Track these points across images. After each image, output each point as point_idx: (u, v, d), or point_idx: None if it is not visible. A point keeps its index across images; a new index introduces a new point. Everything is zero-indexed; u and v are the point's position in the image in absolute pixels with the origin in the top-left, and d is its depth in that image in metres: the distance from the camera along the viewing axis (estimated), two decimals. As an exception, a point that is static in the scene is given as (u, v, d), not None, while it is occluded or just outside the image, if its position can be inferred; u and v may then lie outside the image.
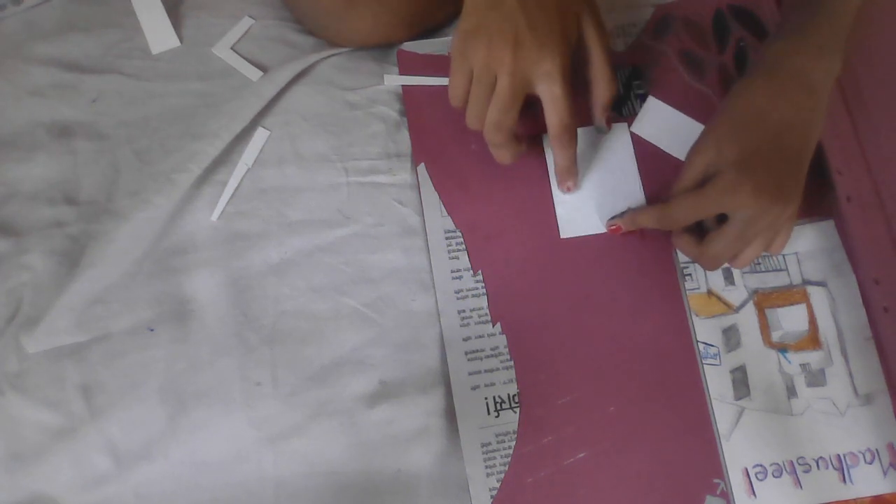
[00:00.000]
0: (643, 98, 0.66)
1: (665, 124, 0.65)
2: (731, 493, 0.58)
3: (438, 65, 0.67)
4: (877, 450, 0.59)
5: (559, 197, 0.63)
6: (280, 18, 0.68)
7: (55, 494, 0.56)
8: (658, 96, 0.66)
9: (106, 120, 0.64)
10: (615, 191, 0.63)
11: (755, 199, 0.53)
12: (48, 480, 0.56)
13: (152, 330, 0.59)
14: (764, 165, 0.53)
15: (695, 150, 0.56)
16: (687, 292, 0.62)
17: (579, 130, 0.62)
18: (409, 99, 0.66)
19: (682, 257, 0.62)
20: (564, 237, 0.63)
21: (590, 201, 0.63)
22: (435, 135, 0.65)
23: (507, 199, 0.63)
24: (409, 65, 0.67)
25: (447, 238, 0.63)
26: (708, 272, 0.62)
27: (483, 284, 0.62)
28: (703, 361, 0.60)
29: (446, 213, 0.63)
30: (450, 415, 0.59)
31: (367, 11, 0.64)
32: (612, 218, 0.62)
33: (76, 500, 0.56)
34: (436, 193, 0.64)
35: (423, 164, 0.64)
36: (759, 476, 0.58)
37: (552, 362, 0.60)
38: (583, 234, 0.63)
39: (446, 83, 0.65)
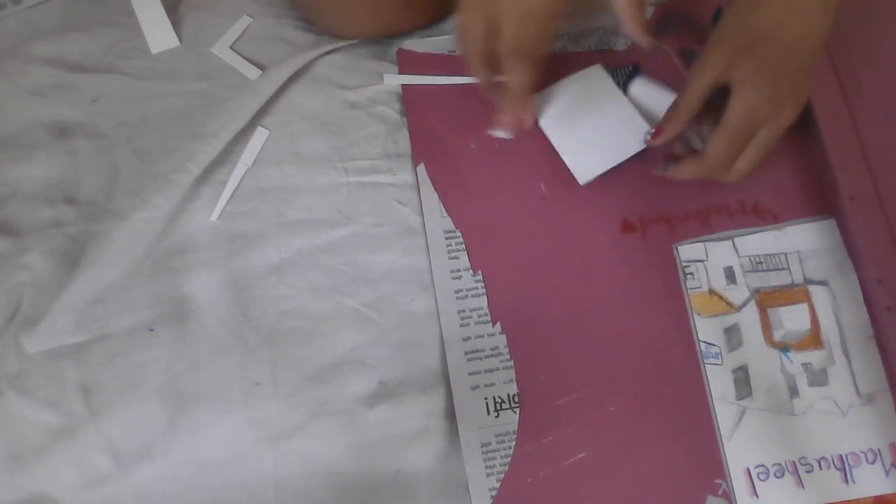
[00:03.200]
0: (644, 96, 0.66)
1: (654, 102, 0.65)
2: (733, 493, 0.58)
3: (438, 63, 0.67)
4: (879, 450, 0.58)
5: (563, 148, 0.63)
6: (278, 16, 0.69)
7: (55, 494, 0.56)
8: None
9: (106, 120, 0.64)
10: (613, 125, 0.63)
11: (776, 112, 0.54)
12: (48, 480, 0.56)
13: (152, 330, 0.59)
14: (782, 76, 0.53)
15: (704, 64, 0.55)
16: (689, 292, 0.61)
17: (558, 84, 0.64)
18: (409, 99, 0.66)
19: (683, 256, 0.62)
20: (584, 182, 0.62)
21: (593, 141, 0.63)
22: (435, 135, 0.65)
23: (507, 199, 0.63)
24: (408, 64, 0.67)
25: (447, 238, 0.63)
26: (709, 272, 0.62)
27: (483, 284, 0.61)
28: (705, 361, 0.60)
29: (446, 214, 0.63)
30: (450, 415, 0.59)
31: (366, 2, 0.64)
32: (652, 138, 0.59)
33: (76, 500, 0.56)
34: (435, 193, 0.64)
35: (422, 164, 0.64)
36: (761, 476, 0.58)
37: (552, 362, 0.60)
38: (601, 173, 0.62)
39: (446, 82, 0.66)
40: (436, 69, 0.66)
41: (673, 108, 0.57)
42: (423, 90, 0.66)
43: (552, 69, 0.66)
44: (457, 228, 0.63)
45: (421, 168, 0.64)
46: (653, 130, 0.58)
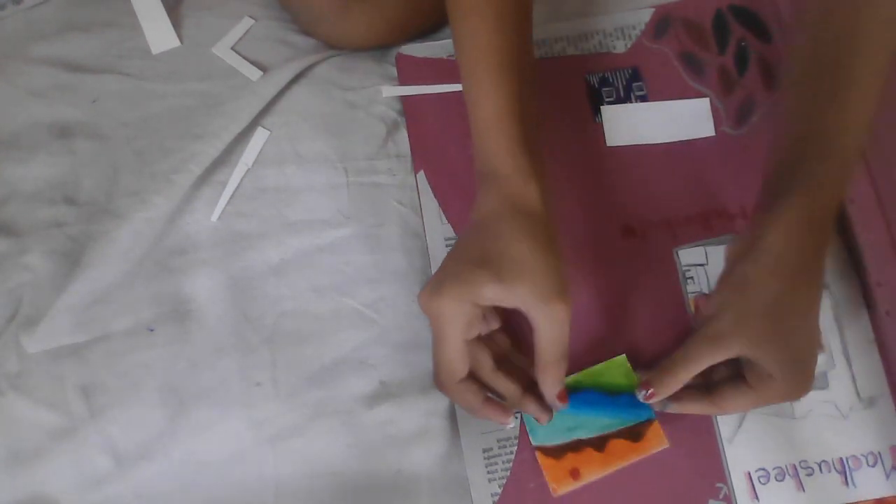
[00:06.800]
0: (644, 99, 0.66)
1: (630, 122, 0.65)
2: (734, 496, 0.58)
3: (437, 69, 0.67)
4: (879, 452, 0.58)
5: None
6: (280, 19, 0.68)
7: (55, 494, 0.56)
8: (657, 98, 0.66)
9: (106, 120, 0.64)
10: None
11: (804, 393, 0.53)
12: (48, 480, 0.56)
13: (152, 330, 0.59)
14: (809, 362, 0.53)
15: (721, 339, 0.52)
16: (689, 296, 0.61)
17: None
18: (409, 106, 0.66)
19: (683, 260, 0.62)
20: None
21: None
22: (434, 142, 0.65)
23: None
24: (407, 69, 0.67)
25: (447, 245, 0.63)
26: (710, 276, 0.62)
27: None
28: (706, 364, 0.60)
29: (446, 221, 0.63)
30: (450, 416, 0.59)
31: (361, 18, 0.64)
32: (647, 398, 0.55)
33: (76, 500, 0.56)
34: (435, 201, 0.64)
35: (422, 171, 0.64)
36: (762, 480, 0.58)
37: (553, 364, 0.60)
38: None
39: (444, 90, 0.65)
40: (435, 75, 0.66)
41: (669, 370, 0.53)
42: (423, 97, 0.66)
43: (553, 74, 0.66)
44: (457, 235, 0.63)
45: (421, 175, 0.64)
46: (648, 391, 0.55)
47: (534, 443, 0.58)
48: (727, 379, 0.55)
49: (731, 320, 0.52)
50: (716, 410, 0.55)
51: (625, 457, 0.57)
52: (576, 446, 0.58)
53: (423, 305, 0.51)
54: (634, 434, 0.58)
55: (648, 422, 0.58)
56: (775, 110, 0.59)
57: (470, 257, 0.51)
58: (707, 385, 0.56)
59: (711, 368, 0.53)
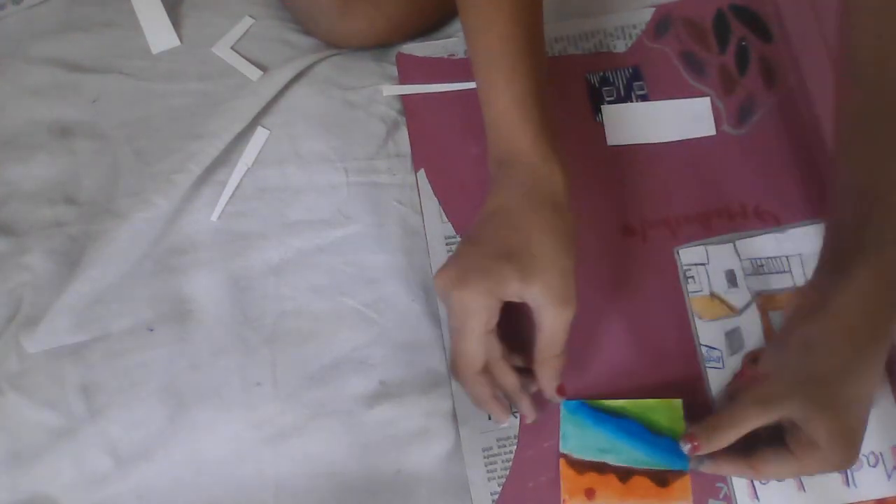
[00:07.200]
0: (644, 98, 0.66)
1: (630, 121, 0.65)
2: (735, 497, 0.57)
3: (438, 69, 0.67)
4: (881, 453, 0.58)
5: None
6: (280, 18, 0.69)
7: (55, 494, 0.56)
8: (658, 97, 0.66)
9: (106, 120, 0.64)
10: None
11: (849, 465, 0.52)
12: (48, 480, 0.57)
13: (152, 330, 0.59)
14: (859, 433, 0.51)
15: (774, 401, 0.51)
16: (689, 295, 0.61)
17: None
18: (409, 105, 0.66)
19: (684, 259, 0.62)
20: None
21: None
22: (435, 141, 0.65)
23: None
24: (408, 68, 0.67)
25: (447, 244, 0.62)
26: (710, 275, 0.62)
27: (483, 287, 0.61)
28: (706, 365, 0.60)
29: (446, 220, 0.63)
30: (450, 416, 0.59)
31: (362, 17, 0.65)
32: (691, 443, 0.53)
33: (76, 500, 0.56)
34: (435, 199, 0.64)
35: (422, 170, 0.64)
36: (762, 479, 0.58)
37: (553, 364, 0.60)
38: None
39: (444, 89, 0.65)
40: (436, 74, 0.66)
41: (716, 427, 0.52)
42: (423, 96, 0.66)
43: (553, 73, 0.66)
44: (457, 234, 0.63)
45: (421, 174, 0.64)
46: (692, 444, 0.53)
47: (562, 449, 0.57)
48: (766, 441, 0.53)
49: (787, 382, 0.51)
50: (753, 475, 0.53)
51: (644, 497, 0.56)
52: (601, 468, 0.57)
53: (444, 292, 0.50)
54: (661, 479, 0.56)
55: (679, 472, 0.57)
56: (833, 164, 0.56)
57: (495, 250, 0.50)
58: (745, 445, 0.53)
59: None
